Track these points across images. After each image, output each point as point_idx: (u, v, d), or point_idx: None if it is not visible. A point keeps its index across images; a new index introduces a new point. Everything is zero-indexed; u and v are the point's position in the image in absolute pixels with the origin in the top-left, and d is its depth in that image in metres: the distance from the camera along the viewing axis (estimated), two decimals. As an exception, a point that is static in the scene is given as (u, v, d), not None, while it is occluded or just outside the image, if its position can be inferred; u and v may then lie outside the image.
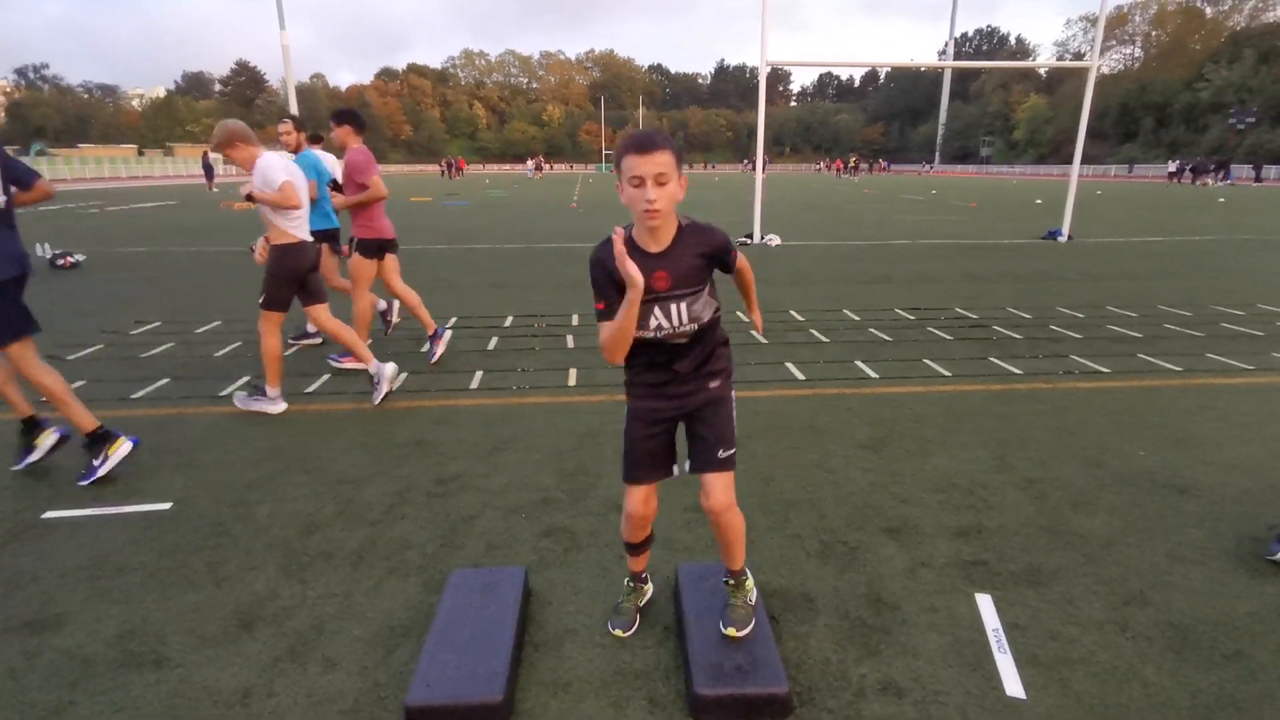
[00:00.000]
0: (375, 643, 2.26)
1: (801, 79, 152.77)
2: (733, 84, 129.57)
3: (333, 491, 3.27)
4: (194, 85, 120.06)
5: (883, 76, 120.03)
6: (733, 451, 2.06)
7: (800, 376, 4.91)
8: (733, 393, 2.12)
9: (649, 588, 2.44)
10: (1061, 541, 2.80)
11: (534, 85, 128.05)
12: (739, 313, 6.31)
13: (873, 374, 4.96)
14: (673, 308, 1.89)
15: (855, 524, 2.96)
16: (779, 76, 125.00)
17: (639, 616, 2.35)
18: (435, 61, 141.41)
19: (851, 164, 68.23)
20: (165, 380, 4.91)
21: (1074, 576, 2.57)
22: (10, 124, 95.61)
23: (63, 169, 50.16)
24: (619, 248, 1.76)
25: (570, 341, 5.83)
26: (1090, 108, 12.47)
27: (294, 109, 17.61)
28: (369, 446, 3.78)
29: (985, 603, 2.43)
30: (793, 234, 14.05)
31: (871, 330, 6.19)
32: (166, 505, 3.15)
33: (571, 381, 4.84)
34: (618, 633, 2.28)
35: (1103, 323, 6.46)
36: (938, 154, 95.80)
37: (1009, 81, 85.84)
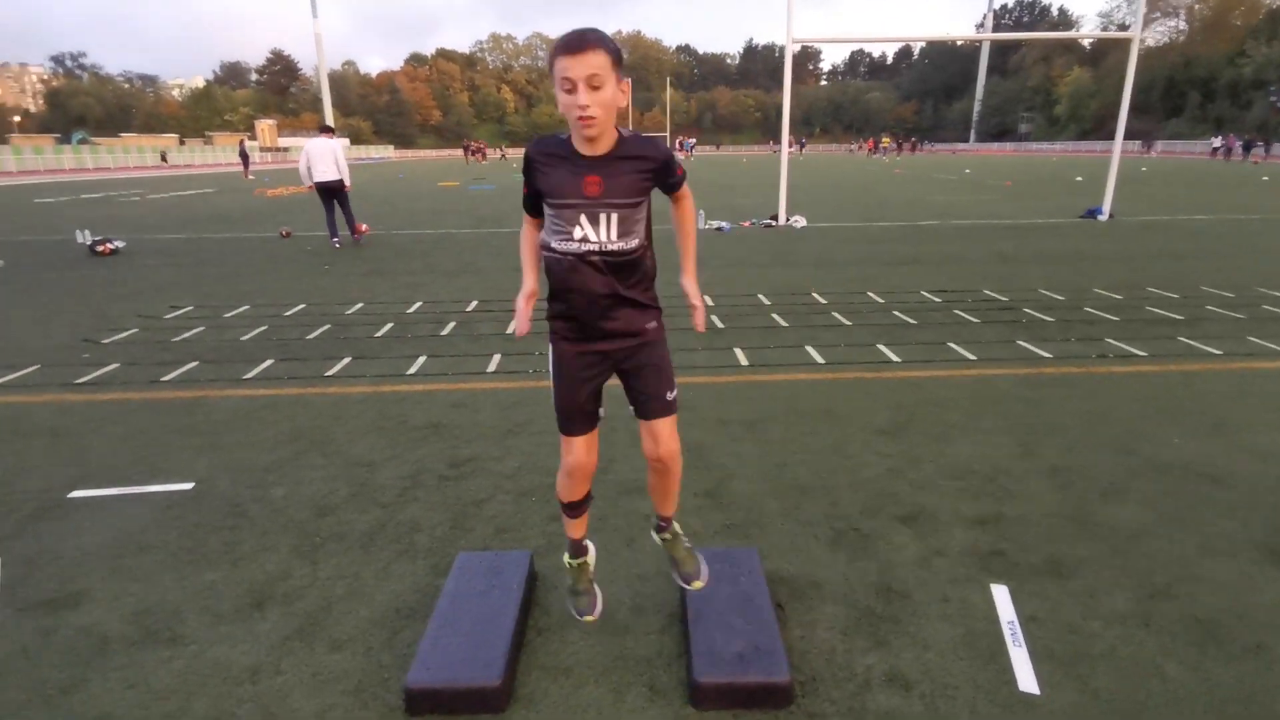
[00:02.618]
0: (381, 624, 2.27)
1: (832, 57, 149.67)
2: (761, 63, 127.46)
3: (347, 474, 3.30)
4: (231, 75, 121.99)
5: (916, 52, 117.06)
6: (675, 393, 1.97)
7: (820, 360, 4.82)
8: (664, 332, 2.00)
9: (592, 553, 2.25)
10: (1087, 532, 2.71)
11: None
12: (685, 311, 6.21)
13: (895, 358, 4.85)
14: (601, 217, 1.75)
15: (869, 511, 2.89)
16: (808, 55, 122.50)
17: (597, 591, 2.19)
18: (463, 46, 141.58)
19: (883, 144, 66.79)
20: (194, 363, 5.01)
21: (1098, 569, 2.48)
22: (50, 112, 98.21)
23: (105, 158, 51.43)
24: (522, 307, 1.87)
25: (589, 325, 5.81)
26: (1134, 81, 11.97)
27: (326, 97, 17.80)
28: (385, 429, 3.81)
29: (1001, 594, 2.36)
30: (819, 215, 13.81)
31: (896, 313, 6.05)
32: (188, 485, 3.22)
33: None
34: (587, 619, 2.12)
35: (1141, 304, 6.23)
36: (973, 131, 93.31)
37: (1050, 54, 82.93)
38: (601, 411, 2.04)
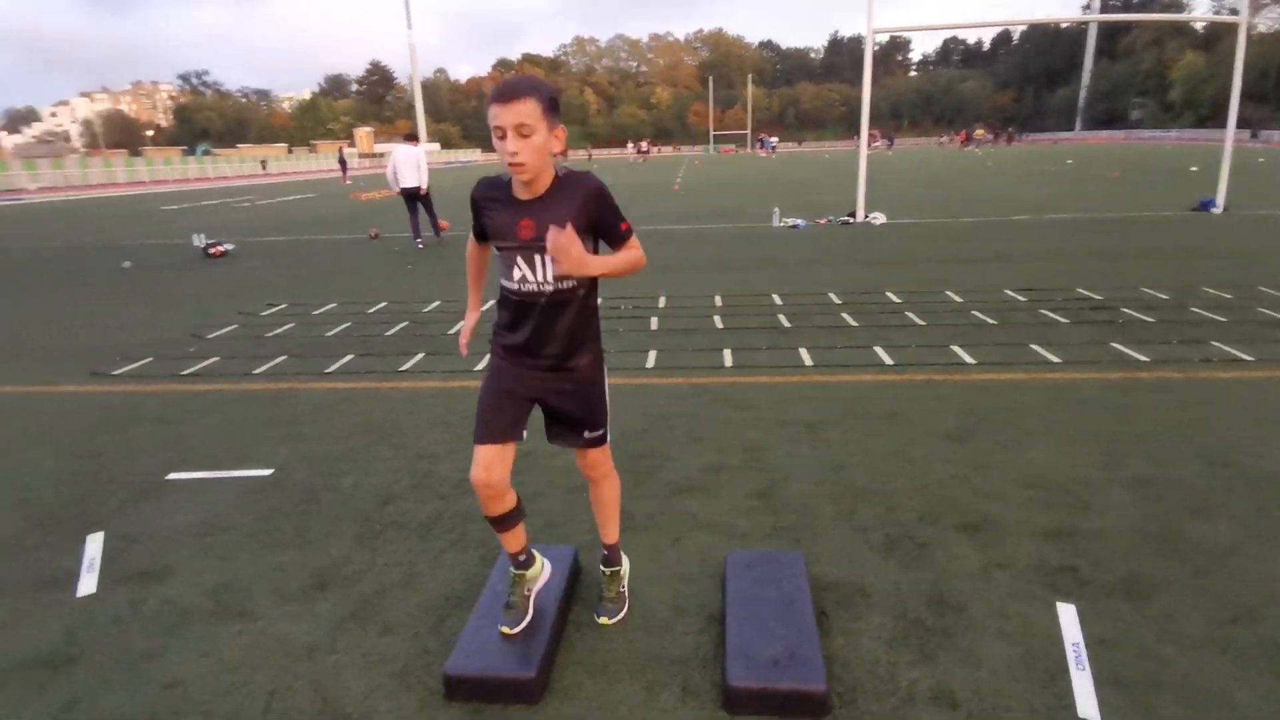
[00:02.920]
0: (430, 611, 2.36)
1: (923, 46, 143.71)
2: (847, 56, 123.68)
3: (411, 465, 3.44)
4: (334, 87, 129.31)
5: (1016, 37, 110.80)
6: (601, 431, 2.04)
7: (888, 361, 4.65)
8: (604, 376, 2.07)
9: (538, 570, 2.20)
10: (1170, 549, 2.50)
11: (642, 69, 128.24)
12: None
13: (969, 359, 4.62)
14: (536, 259, 1.81)
15: (928, 518, 2.77)
16: (897, 45, 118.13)
17: (530, 608, 2.13)
18: (548, 50, 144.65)
19: (978, 135, 63.65)
20: (283, 358, 5.34)
21: (1179, 589, 2.29)
22: (178, 126, 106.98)
23: (224, 167, 55.58)
24: (461, 342, 1.98)
25: (654, 323, 5.82)
26: (1244, 67, 10.94)
27: (419, 104, 18.63)
28: (450, 424, 3.94)
29: (1068, 613, 2.21)
30: (900, 212, 13.32)
31: (975, 313, 5.76)
32: (269, 472, 3.44)
33: (649, 364, 4.83)
34: (504, 629, 2.05)
35: (1252, 305, 5.69)
36: (1079, 119, 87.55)
37: (1162, 37, 76.66)
38: (524, 434, 2.00)
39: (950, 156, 43.51)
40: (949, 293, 6.51)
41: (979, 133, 65.55)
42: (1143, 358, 4.52)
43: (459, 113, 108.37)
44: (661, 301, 6.62)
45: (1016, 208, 13.51)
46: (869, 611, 2.26)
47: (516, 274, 1.84)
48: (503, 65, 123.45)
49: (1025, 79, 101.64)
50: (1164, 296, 6.05)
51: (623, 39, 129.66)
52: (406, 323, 6.23)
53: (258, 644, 2.24)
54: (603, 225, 1.85)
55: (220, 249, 10.99)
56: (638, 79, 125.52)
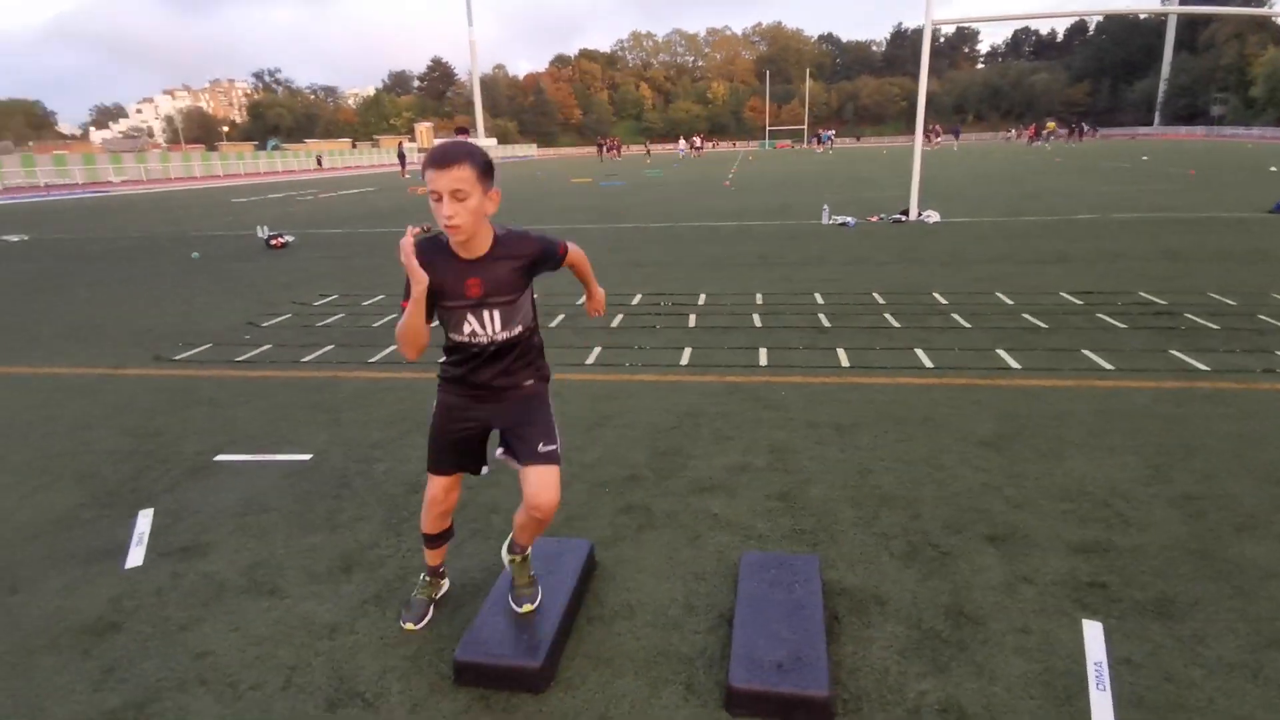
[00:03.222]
0: (447, 598, 2.42)
1: (992, 36, 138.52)
2: (910, 49, 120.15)
3: (442, 455, 3.53)
4: (398, 83, 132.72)
5: (1092, 27, 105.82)
6: (554, 447, 2.02)
7: (928, 364, 4.54)
8: (548, 392, 2.13)
9: (445, 582, 2.42)
10: (1211, 569, 2.38)
11: (699, 63, 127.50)
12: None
13: (1014, 364, 4.46)
14: (485, 315, 1.91)
15: (954, 527, 2.70)
16: (964, 36, 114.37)
17: (432, 609, 2.31)
18: (605, 45, 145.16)
19: (1048, 129, 61.09)
20: (330, 346, 5.54)
21: (1215, 611, 2.17)
22: (252, 122, 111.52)
23: (292, 161, 57.73)
24: (406, 242, 1.80)
25: (691, 320, 5.81)
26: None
27: (477, 99, 18.98)
28: (483, 415, 4.02)
29: (1093, 631, 2.13)
30: (957, 209, 12.92)
31: (1025, 315, 5.56)
32: (308, 456, 3.57)
33: (684, 360, 4.82)
34: (408, 626, 2.24)
35: (1336, 313, 5.33)
36: (1157, 114, 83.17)
37: (1243, 31, 72.07)
38: (485, 470, 2.19)
39: (1017, 152, 41.96)
40: (1000, 294, 6.30)
41: (1050, 126, 62.88)
42: (1202, 367, 4.29)
43: (516, 108, 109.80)
44: (702, 299, 6.60)
45: (1082, 206, 12.95)
46: (883, 619, 2.22)
47: (466, 329, 1.93)
48: (560, 61, 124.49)
49: (1100, 71, 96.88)
50: (1231, 302, 5.72)
51: (680, 34, 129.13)
52: (450, 315, 6.36)
53: (284, 621, 2.34)
54: (548, 264, 1.97)
55: (281, 240, 11.43)
56: (694, 74, 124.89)
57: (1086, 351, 4.63)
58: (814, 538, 2.69)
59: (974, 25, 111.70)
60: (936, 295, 6.36)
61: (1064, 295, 6.17)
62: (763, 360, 4.76)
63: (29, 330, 6.42)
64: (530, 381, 2.06)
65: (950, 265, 7.83)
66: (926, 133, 66.42)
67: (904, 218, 11.65)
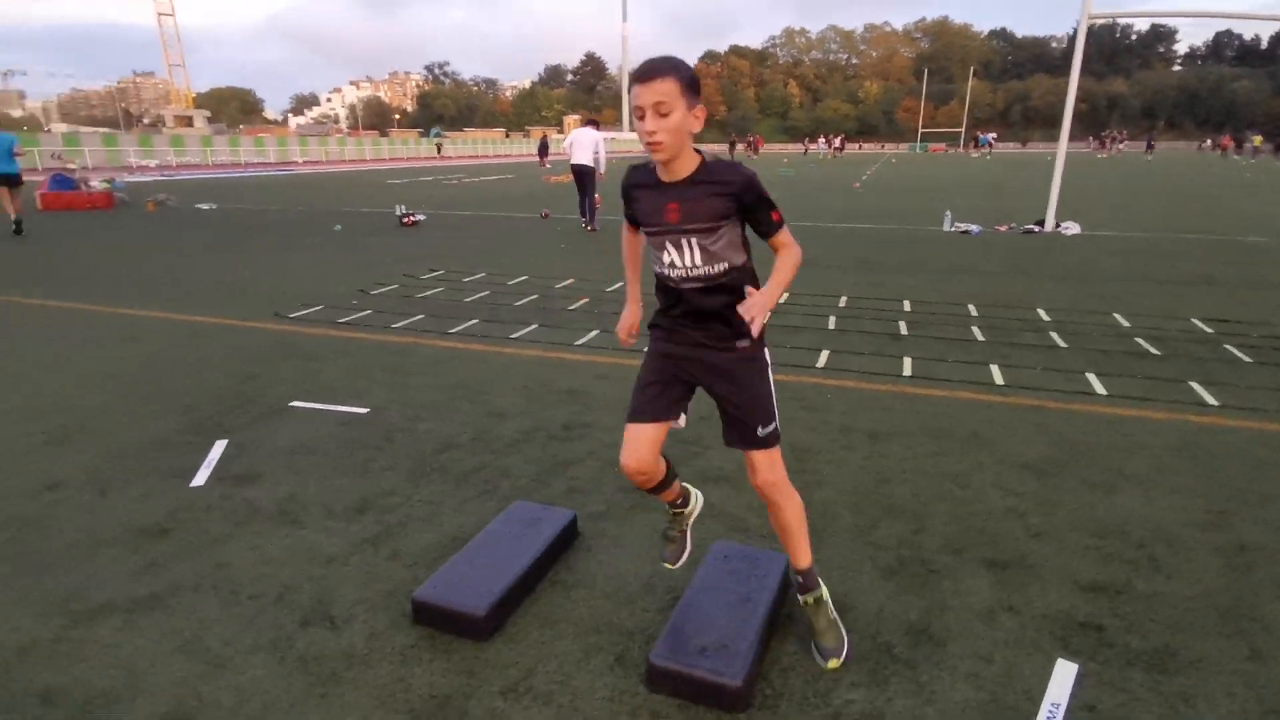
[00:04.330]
0: (436, 547, 2.61)
1: (1191, 36, 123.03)
2: (1095, 46, 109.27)
3: (479, 422, 3.75)
4: (552, 76, 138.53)
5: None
6: (773, 426, 1.90)
7: (998, 380, 4.22)
8: (766, 354, 1.92)
9: (693, 505, 2.27)
10: (1232, 627, 2.10)
11: (853, 61, 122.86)
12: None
13: (1100, 390, 4.05)
14: (684, 242, 1.77)
15: (954, 547, 2.54)
16: (1159, 34, 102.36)
17: (688, 540, 2.24)
18: (757, 42, 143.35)
19: (1255, 143, 53.51)
20: (421, 316, 5.98)
21: (1217, 671, 1.92)
22: (420, 111, 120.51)
23: (449, 149, 61.94)
24: (621, 339, 1.93)
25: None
26: None
27: (625, 94, 19.55)
28: (530, 389, 4.22)
29: (1065, 671, 1.95)
30: (1104, 223, 11.71)
31: (1137, 340, 5.01)
32: (365, 410, 3.92)
33: (740, 356, 4.78)
34: (666, 564, 2.21)
35: None
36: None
37: None
38: (681, 422, 2.01)
39: (1204, 164, 37.18)
40: (1117, 315, 5.70)
41: (1257, 140, 55.08)
42: (1337, 412, 3.69)
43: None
44: (783, 297, 6.47)
45: (1254, 227, 11.33)
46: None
47: (665, 258, 1.82)
48: (709, 57, 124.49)
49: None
50: None
51: (835, 30, 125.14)
52: (535, 296, 6.66)
53: (294, 547, 2.62)
54: (753, 217, 1.79)
55: (413, 219, 12.37)
56: (846, 71, 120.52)
57: (1193, 384, 4.12)
58: (800, 538, 2.62)
59: (1171, 23, 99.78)
60: (1040, 311, 5.86)
61: (1194, 322, 5.48)
62: (820, 362, 4.62)
63: (189, 284, 7.41)
64: (746, 343, 1.87)
65: (1070, 281, 7.15)
66: (1102, 139, 60.37)
67: (1037, 228, 10.73)
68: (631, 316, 2.16)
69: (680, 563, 2.22)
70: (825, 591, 2.08)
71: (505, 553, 2.38)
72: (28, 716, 1.84)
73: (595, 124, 12.02)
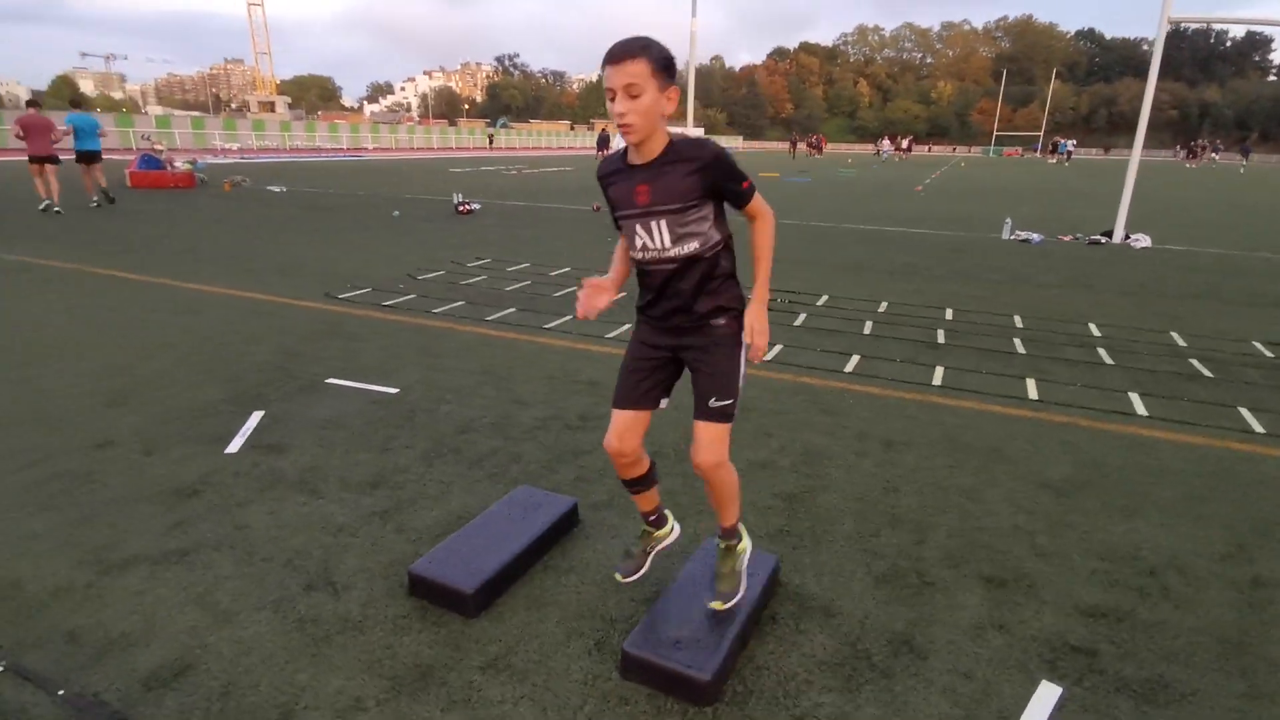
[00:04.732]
0: (440, 524, 2.70)
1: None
2: (1189, 50, 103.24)
3: (500, 408, 3.85)
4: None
5: None
6: (728, 402, 1.90)
7: (1032, 396, 4.09)
8: (742, 347, 1.92)
9: (666, 531, 2.25)
10: (1235, 663, 2.01)
11: (927, 60, 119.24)
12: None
13: (1142, 411, 3.88)
14: (653, 224, 1.79)
15: (953, 561, 2.50)
16: (1254, 42, 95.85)
17: (647, 562, 2.21)
18: (829, 39, 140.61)
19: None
20: (461, 302, 6.14)
21: (1210, 706, 1.85)
22: (489, 102, 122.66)
23: (515, 139, 62.98)
24: (586, 298, 1.86)
25: (799, 320, 5.67)
26: None
27: (691, 89, 19.57)
28: (554, 379, 4.30)
29: (1047, 694, 1.91)
30: (1178, 236, 11.11)
31: (1191, 361, 4.77)
32: (395, 390, 4.07)
33: (768, 357, 4.76)
34: (617, 576, 2.19)
35: None
36: None
37: None
38: (663, 404, 2.03)
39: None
40: (1174, 333, 5.44)
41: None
42: (1402, 449, 3.45)
43: (727, 99, 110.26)
44: (822, 300, 6.40)
45: (1358, 247, 10.56)
46: (819, 630, 2.15)
47: (638, 242, 1.84)
48: (778, 54, 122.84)
49: None
50: None
51: (911, 28, 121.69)
52: (574, 288, 6.75)
53: (308, 515, 2.76)
54: (725, 190, 1.79)
55: (467, 207, 12.66)
56: (919, 71, 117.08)
57: (1242, 409, 3.91)
58: (797, 541, 2.62)
59: (1267, 31, 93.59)
60: (1091, 326, 5.63)
61: (1256, 345, 5.18)
62: (849, 367, 4.56)
63: (252, 262, 7.79)
64: (722, 321, 1.89)
65: (1131, 296, 6.83)
66: (1192, 148, 57.00)
67: (1104, 239, 10.26)
68: (597, 292, 1.91)
69: (632, 579, 2.19)
70: (744, 546, 2.14)
71: (502, 534, 2.46)
72: (53, 653, 2.01)
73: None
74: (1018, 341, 5.16)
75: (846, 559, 2.52)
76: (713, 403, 1.89)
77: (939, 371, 4.46)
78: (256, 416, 3.65)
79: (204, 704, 1.85)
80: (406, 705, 1.85)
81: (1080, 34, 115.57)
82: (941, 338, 5.24)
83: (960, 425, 3.68)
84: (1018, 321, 5.74)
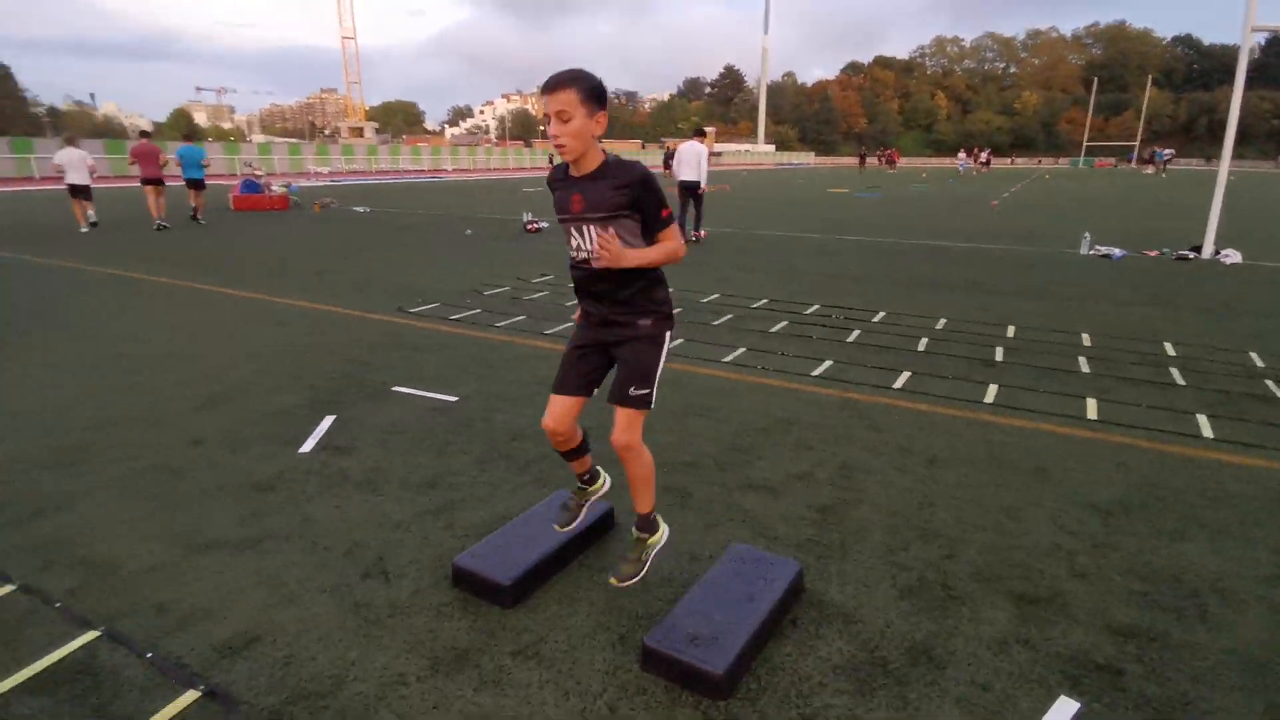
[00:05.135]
0: (486, 524, 2.88)
1: None
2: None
3: (551, 416, 4.03)
4: (691, 88, 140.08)
5: None
6: (645, 391, 2.12)
7: (1091, 416, 3.97)
8: (667, 336, 2.19)
9: (599, 486, 2.56)
10: (1264, 684, 1.95)
11: (1011, 69, 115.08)
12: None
13: (1207, 433, 3.72)
14: (585, 229, 2.05)
15: (984, 576, 2.50)
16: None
17: (583, 515, 2.52)
18: (904, 52, 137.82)
19: None
20: (522, 317, 6.41)
21: (1237, 734, 1.80)
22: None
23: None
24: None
25: (853, 335, 5.66)
26: None
27: (762, 106, 19.75)
28: (602, 390, 4.44)
29: (1065, 709, 1.90)
30: (1272, 253, 10.42)
31: (1266, 382, 4.51)
32: (455, 398, 4.32)
33: (817, 371, 4.79)
34: (555, 527, 2.49)
35: None
36: None
37: None
38: (594, 392, 2.32)
39: None
40: (1253, 354, 5.15)
41: None
42: None
43: (799, 115, 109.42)
44: (879, 316, 6.35)
45: None
46: (838, 636, 2.21)
47: (574, 243, 2.11)
48: (852, 69, 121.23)
49: None
50: None
51: (993, 37, 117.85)
52: (631, 303, 6.92)
53: (369, 510, 2.99)
54: (644, 210, 2.03)
55: (536, 226, 13.10)
56: (1002, 81, 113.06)
57: (1323, 434, 3.69)
58: (824, 550, 2.67)
59: None
60: (1166, 344, 5.39)
61: (1350, 366, 4.85)
62: (898, 384, 4.54)
63: (332, 278, 8.34)
64: (647, 321, 2.13)
65: (1214, 314, 6.48)
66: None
67: (1191, 254, 9.72)
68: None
69: (570, 529, 2.48)
70: (656, 539, 2.31)
71: (540, 532, 2.61)
72: (143, 622, 2.28)
73: (702, 134, 12.01)
74: (1082, 360, 5.00)
75: (873, 570, 2.55)
76: (632, 390, 2.12)
77: (992, 389, 4.39)
78: (329, 420, 3.96)
79: (269, 671, 2.07)
80: (443, 683, 2.02)
81: (1176, 40, 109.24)
82: (1000, 355, 5.14)
83: (1007, 443, 3.62)
84: (1085, 340, 5.55)
